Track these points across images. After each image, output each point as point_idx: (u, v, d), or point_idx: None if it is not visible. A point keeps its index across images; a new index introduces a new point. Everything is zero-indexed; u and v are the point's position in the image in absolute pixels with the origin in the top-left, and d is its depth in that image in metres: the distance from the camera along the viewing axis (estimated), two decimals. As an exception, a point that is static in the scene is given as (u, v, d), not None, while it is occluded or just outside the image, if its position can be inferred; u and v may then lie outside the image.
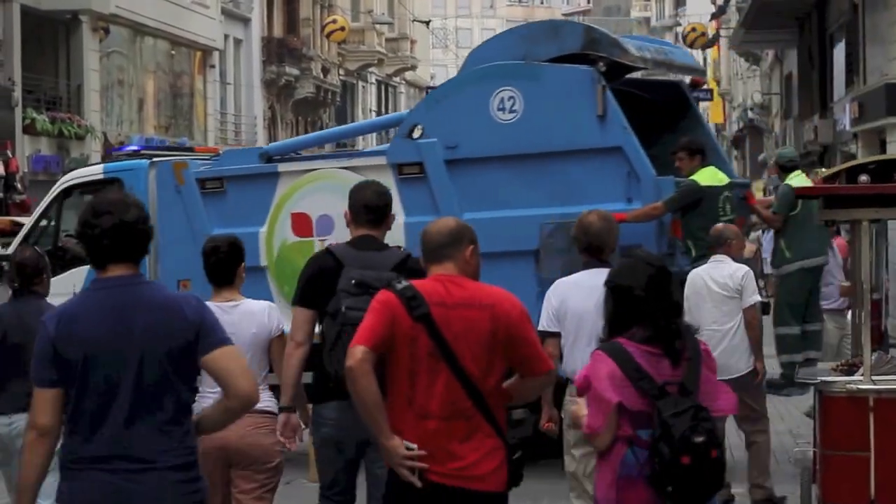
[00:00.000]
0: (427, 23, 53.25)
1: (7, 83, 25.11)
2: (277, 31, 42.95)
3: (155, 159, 12.24)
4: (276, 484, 6.82)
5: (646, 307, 5.10)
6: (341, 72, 48.42)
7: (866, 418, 7.66)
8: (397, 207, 10.60)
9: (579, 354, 6.85)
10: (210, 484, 6.00)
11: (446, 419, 4.97)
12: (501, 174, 10.78)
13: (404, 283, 5.03)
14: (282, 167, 11.61)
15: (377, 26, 49.83)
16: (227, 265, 6.78)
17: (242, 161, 11.98)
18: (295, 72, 42.57)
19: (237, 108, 41.32)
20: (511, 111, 10.79)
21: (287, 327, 6.72)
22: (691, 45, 43.74)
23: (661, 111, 11.81)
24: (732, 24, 42.39)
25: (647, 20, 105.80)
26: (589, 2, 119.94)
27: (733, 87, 59.65)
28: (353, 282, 6.39)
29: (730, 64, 59.14)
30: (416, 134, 11.09)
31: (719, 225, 9.91)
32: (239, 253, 6.85)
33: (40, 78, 27.32)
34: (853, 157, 23.06)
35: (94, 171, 12.87)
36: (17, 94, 25.53)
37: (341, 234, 11.10)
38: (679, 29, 64.90)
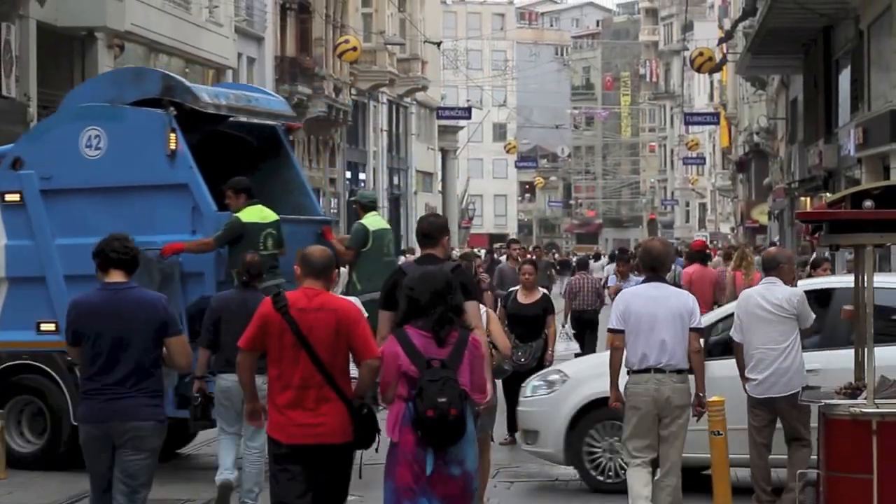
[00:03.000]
0: (438, 44, 53.36)
1: (22, 98, 25.26)
2: (290, 50, 43.07)
3: None
4: None
5: (427, 309, 6.98)
6: (353, 91, 48.41)
7: (869, 441, 7.77)
8: (0, 231, 12.00)
9: (639, 347, 8.93)
10: None
11: (303, 389, 7.11)
12: (89, 204, 12.08)
13: (281, 296, 7.22)
14: None
15: (389, 47, 49.92)
16: None
17: None
18: (307, 91, 42.65)
19: (248, 126, 41.31)
20: (97, 148, 12.11)
21: None
22: (699, 70, 43.89)
23: (259, 151, 13.22)
24: (739, 49, 42.56)
25: (655, 44, 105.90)
26: (598, 24, 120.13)
27: (739, 111, 59.82)
28: None
29: (736, 88, 59.33)
30: (18, 165, 12.30)
31: (772, 249, 10.15)
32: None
33: (55, 94, 27.35)
34: (857, 182, 23.18)
35: None
36: (33, 109, 25.65)
37: None
38: (686, 53, 65.05)
